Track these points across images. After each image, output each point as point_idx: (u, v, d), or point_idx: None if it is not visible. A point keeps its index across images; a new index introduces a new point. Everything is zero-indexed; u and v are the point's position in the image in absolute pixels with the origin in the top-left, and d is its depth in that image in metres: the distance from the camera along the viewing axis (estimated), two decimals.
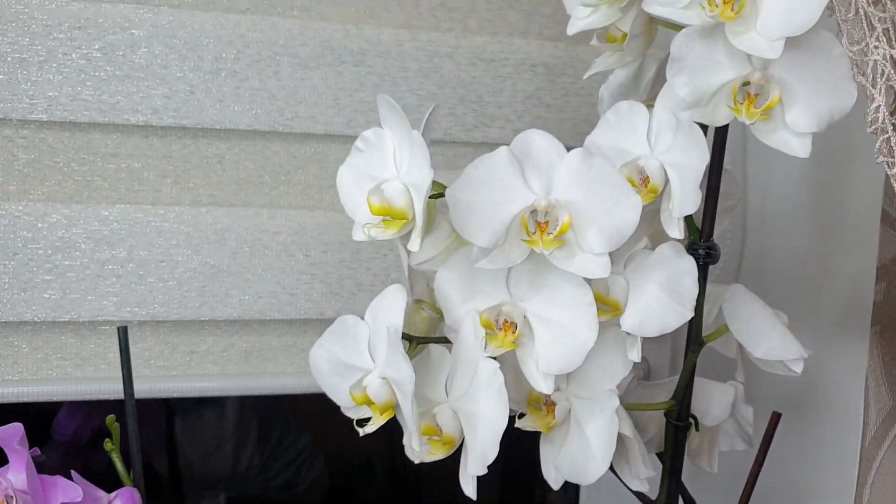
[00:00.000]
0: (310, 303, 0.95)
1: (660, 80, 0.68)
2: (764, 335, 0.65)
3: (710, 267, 0.65)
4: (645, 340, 0.62)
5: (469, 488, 0.58)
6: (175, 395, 0.94)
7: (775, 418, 0.80)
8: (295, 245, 0.94)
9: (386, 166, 0.59)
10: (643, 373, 0.83)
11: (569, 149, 0.61)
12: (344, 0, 0.95)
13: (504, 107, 1.00)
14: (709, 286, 0.71)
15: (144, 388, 0.93)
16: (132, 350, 0.92)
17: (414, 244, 0.58)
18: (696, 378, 0.72)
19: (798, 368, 0.65)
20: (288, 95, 0.93)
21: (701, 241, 0.64)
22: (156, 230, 0.90)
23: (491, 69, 0.99)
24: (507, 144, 1.02)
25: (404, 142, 0.58)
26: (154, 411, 1.20)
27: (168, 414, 1.22)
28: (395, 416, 0.61)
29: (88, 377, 0.92)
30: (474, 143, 1.00)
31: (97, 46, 0.87)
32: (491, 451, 0.57)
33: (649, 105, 0.69)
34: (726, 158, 1.00)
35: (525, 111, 1.01)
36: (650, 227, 0.67)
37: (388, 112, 0.59)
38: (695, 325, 0.66)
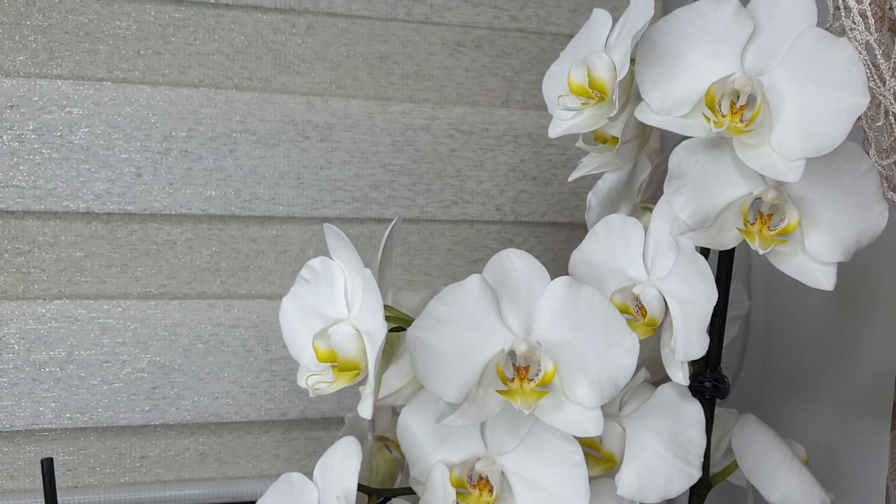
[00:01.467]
0: (271, 403, 0.86)
1: (655, 181, 0.60)
2: (780, 478, 0.56)
3: None
4: None
5: None
6: None
7: None
8: (254, 339, 0.85)
9: (336, 303, 0.50)
10: None
11: (553, 274, 0.52)
12: (307, 69, 0.87)
13: (485, 181, 0.92)
14: (715, 410, 0.62)
15: (89, 499, 0.84)
16: (74, 457, 0.84)
17: (365, 408, 0.49)
18: None
19: None
20: (246, 175, 0.84)
21: (707, 373, 0.56)
22: (99, 327, 0.81)
23: (471, 141, 0.91)
24: (489, 221, 0.95)
25: (356, 277, 0.50)
26: None
27: None
28: None
29: (24, 489, 0.83)
30: (453, 220, 0.92)
31: (31, 127, 0.78)
32: None
33: (644, 208, 0.61)
34: None
35: (508, 185, 0.93)
36: (647, 348, 0.59)
37: (336, 243, 0.51)
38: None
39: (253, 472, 0.89)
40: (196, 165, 0.83)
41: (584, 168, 0.59)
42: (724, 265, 0.55)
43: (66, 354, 0.81)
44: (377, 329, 0.47)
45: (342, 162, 0.87)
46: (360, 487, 0.55)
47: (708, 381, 0.55)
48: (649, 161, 0.60)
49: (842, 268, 0.84)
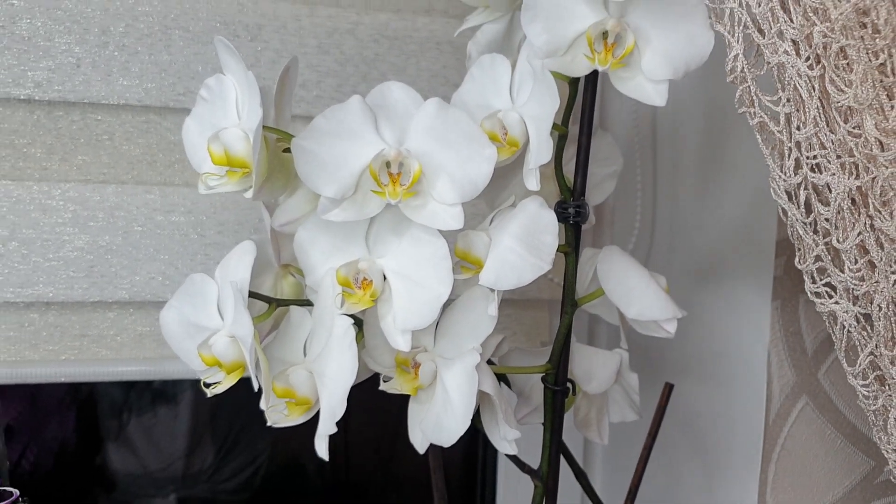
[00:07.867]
0: None
1: None
2: (637, 295, 0.64)
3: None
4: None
5: (321, 447, 0.56)
6: (65, 379, 0.91)
7: (667, 389, 0.78)
8: (189, 225, 0.91)
9: (228, 115, 0.57)
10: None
11: None
12: None
13: (409, 85, 0.98)
14: (585, 250, 0.69)
15: (33, 371, 0.90)
16: (14, 333, 0.90)
17: (249, 189, 0.56)
18: (578, 345, 0.71)
19: (671, 328, 0.64)
20: (180, 70, 0.91)
21: (571, 200, 0.63)
22: (39, 208, 0.87)
23: (394, 47, 0.97)
24: None
25: (244, 87, 0.56)
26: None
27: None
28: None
29: None
30: None
31: None
32: (339, 407, 0.55)
33: None
34: (625, 126, 0.99)
35: (430, 90, 0.99)
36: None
37: (227, 56, 0.57)
38: (568, 286, 0.65)
39: None
40: (133, 59, 0.89)
41: (469, 22, 0.66)
42: (588, 99, 0.62)
43: (9, 232, 0.86)
44: (254, 119, 0.53)
45: (270, 61, 0.93)
46: (264, 298, 0.62)
47: (571, 208, 0.62)
48: None
49: (734, 150, 0.91)
